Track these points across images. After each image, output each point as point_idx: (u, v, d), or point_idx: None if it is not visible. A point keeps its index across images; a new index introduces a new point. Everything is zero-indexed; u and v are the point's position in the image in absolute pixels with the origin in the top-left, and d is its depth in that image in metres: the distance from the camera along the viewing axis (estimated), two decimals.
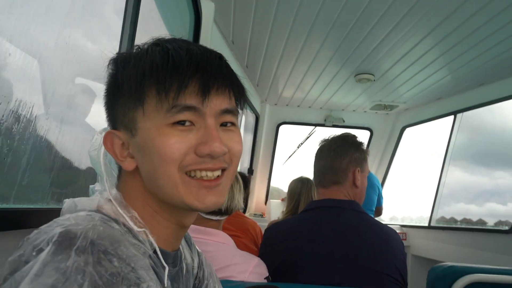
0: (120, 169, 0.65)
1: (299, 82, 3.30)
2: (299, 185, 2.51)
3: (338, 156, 1.33)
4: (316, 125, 4.27)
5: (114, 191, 0.61)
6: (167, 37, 0.63)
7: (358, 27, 2.27)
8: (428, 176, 3.76)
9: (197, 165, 0.58)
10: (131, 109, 0.59)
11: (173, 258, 0.64)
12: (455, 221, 3.67)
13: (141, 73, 0.58)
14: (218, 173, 0.60)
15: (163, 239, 0.62)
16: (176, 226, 0.64)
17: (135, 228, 0.57)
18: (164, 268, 0.59)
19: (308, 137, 4.39)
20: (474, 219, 3.42)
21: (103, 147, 0.63)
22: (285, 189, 2.69)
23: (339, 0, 2.01)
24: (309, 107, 4.09)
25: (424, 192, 3.83)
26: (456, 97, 3.33)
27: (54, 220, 0.52)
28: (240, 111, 0.64)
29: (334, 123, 4.13)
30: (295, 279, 1.15)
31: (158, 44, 0.61)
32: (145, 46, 0.62)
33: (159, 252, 0.59)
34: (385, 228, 1.26)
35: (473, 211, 3.43)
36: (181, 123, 0.57)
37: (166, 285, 0.59)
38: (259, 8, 2.13)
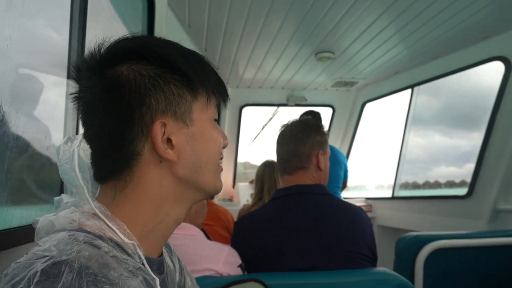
0: (122, 178, 0.60)
1: (260, 63, 3.26)
2: (262, 168, 2.57)
3: (301, 141, 1.33)
4: (278, 105, 4.28)
5: (97, 203, 0.58)
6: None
7: (317, 5, 2.25)
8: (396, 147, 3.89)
9: (221, 155, 0.69)
10: (188, 100, 0.62)
11: (158, 264, 0.63)
12: (430, 185, 3.85)
13: (206, 66, 0.65)
14: None
15: (150, 247, 0.61)
16: (172, 223, 0.64)
17: (125, 240, 0.56)
18: (154, 279, 0.57)
19: (271, 118, 4.40)
20: (457, 180, 3.58)
21: (76, 161, 0.60)
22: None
23: None
24: (271, 87, 4.07)
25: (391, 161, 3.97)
26: (413, 71, 3.43)
27: (33, 251, 0.48)
28: None
29: (296, 102, 4.15)
30: (270, 269, 1.15)
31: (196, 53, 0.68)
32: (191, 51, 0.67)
33: (147, 266, 0.57)
34: (352, 208, 1.29)
35: (454, 172, 3.58)
36: (216, 120, 0.68)
37: None
38: None
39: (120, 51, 0.60)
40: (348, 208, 1.26)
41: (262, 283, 0.95)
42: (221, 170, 0.70)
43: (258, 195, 2.56)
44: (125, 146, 0.58)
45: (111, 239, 0.55)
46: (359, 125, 4.21)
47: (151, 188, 0.60)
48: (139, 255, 0.57)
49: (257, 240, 1.21)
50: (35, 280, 0.42)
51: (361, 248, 1.18)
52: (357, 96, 4.14)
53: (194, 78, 0.61)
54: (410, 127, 3.69)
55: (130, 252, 0.56)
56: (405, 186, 3.92)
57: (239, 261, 1.16)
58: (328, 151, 1.39)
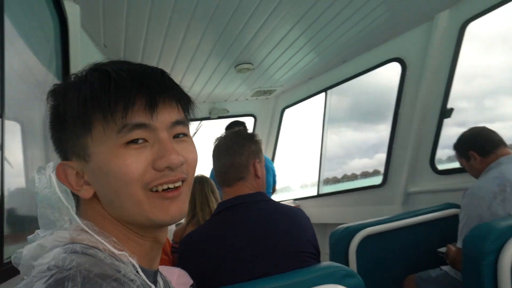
0: (77, 200, 0.63)
1: (180, 79, 3.27)
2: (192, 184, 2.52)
3: (237, 153, 1.36)
4: (201, 119, 4.31)
5: (82, 220, 0.58)
6: (105, 61, 0.61)
7: (234, 20, 2.34)
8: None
9: (158, 180, 0.58)
10: (80, 136, 0.58)
11: (153, 277, 0.63)
12: (348, 177, 4.13)
13: (83, 100, 0.57)
14: (179, 183, 0.61)
15: (140, 257, 0.60)
16: (150, 243, 0.63)
17: (116, 252, 0.55)
18: (150, 287, 0.58)
19: (195, 133, 4.40)
20: (370, 170, 3.88)
21: (55, 183, 0.60)
22: None
23: None
24: None
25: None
26: (325, 75, 3.70)
27: (33, 274, 0.47)
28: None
29: (219, 115, 4.23)
30: (222, 284, 1.16)
31: (96, 69, 0.60)
32: (83, 73, 0.60)
33: (142, 274, 0.57)
34: (293, 209, 1.36)
35: (367, 164, 3.88)
36: (134, 141, 0.57)
37: None
38: (131, 8, 2.02)
39: (51, 97, 0.63)
40: (288, 210, 1.32)
41: None
42: (168, 197, 0.59)
43: (191, 213, 2.50)
44: None
45: (104, 249, 0.55)
46: (280, 130, 4.42)
47: (98, 216, 0.61)
48: (133, 264, 0.57)
49: (204, 258, 1.21)
50: None
51: (305, 247, 1.25)
52: (276, 103, 4.33)
53: (67, 117, 0.58)
54: (327, 127, 3.98)
55: (124, 262, 0.56)
56: (326, 181, 4.19)
57: (191, 281, 1.15)
58: (263, 158, 1.46)
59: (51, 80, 1.90)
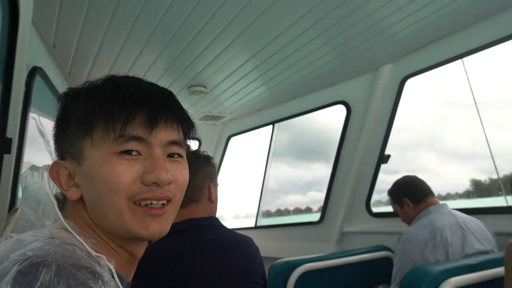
0: (64, 201, 0.65)
1: None
2: None
3: (193, 174, 1.30)
4: None
5: (65, 218, 0.59)
6: (119, 75, 0.64)
7: (194, 43, 2.32)
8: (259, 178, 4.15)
9: (144, 194, 0.58)
10: (79, 138, 0.60)
11: (127, 287, 0.62)
12: (281, 212, 4.17)
13: (92, 106, 0.59)
14: (163, 202, 0.60)
15: (118, 264, 0.59)
16: (128, 255, 0.62)
17: (94, 253, 0.54)
18: None
19: None
20: (303, 207, 3.95)
21: (46, 179, 0.61)
22: None
23: (179, 16, 2.01)
24: None
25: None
26: (274, 108, 3.79)
27: (8, 260, 0.47)
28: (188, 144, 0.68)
29: None
30: None
31: (109, 79, 0.63)
32: (98, 82, 0.63)
33: (117, 278, 0.55)
34: (244, 238, 1.34)
35: (299, 200, 3.95)
36: (129, 152, 0.59)
37: None
38: (90, 13, 1.92)
39: (60, 101, 0.66)
40: (240, 238, 1.30)
41: None
42: (149, 213, 0.59)
43: None
44: None
45: (82, 250, 0.54)
46: (224, 158, 4.38)
47: (79, 219, 0.61)
48: (110, 268, 0.55)
49: (149, 281, 1.13)
50: (11, 280, 0.42)
51: (255, 277, 1.23)
52: (222, 130, 4.32)
53: (72, 118, 0.61)
54: (271, 160, 4.02)
55: (102, 264, 0.55)
56: (260, 215, 4.20)
57: None
58: (217, 182, 1.42)
59: None
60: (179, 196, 0.66)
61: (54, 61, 2.39)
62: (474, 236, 1.94)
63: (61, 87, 2.29)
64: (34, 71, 1.90)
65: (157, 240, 1.42)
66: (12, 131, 1.70)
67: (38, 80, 2.04)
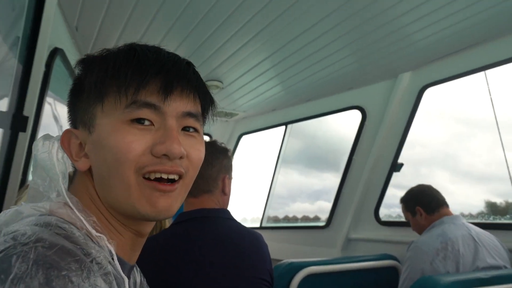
0: (74, 172, 0.61)
1: None
2: None
3: (209, 164, 1.29)
4: None
5: (69, 193, 0.55)
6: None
7: (214, 37, 2.32)
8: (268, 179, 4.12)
9: (153, 166, 0.54)
10: (91, 105, 0.57)
11: (129, 271, 0.58)
12: (289, 219, 4.14)
13: (104, 69, 0.56)
14: (174, 176, 0.56)
15: (121, 247, 0.56)
16: (132, 234, 0.59)
17: (94, 232, 0.52)
18: (123, 279, 0.52)
19: None
20: (311, 215, 3.92)
21: (55, 150, 0.59)
22: None
23: (202, 7, 2.00)
24: None
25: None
26: (288, 109, 3.77)
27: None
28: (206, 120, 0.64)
29: None
30: None
31: (127, 45, 0.59)
32: (115, 49, 0.59)
33: (117, 262, 0.52)
34: (254, 233, 1.32)
35: (308, 208, 3.91)
36: (141, 121, 0.55)
37: None
38: (114, 0, 1.93)
39: (78, 66, 0.63)
40: (250, 233, 1.28)
41: None
42: (158, 188, 0.55)
43: None
44: None
45: (82, 228, 0.52)
46: (234, 156, 4.37)
47: (85, 193, 0.59)
48: (110, 250, 0.53)
49: (157, 268, 1.12)
50: None
51: (263, 274, 1.21)
52: (235, 127, 4.31)
53: (85, 84, 0.58)
54: (281, 162, 4.00)
55: (102, 245, 0.52)
56: (267, 219, 4.17)
57: None
58: (232, 176, 1.40)
59: (3, 52, 1.72)
60: (192, 174, 0.61)
61: (75, 44, 2.40)
62: (487, 250, 1.89)
63: None
64: (55, 52, 1.91)
65: (167, 226, 1.41)
66: (29, 110, 1.70)
67: (57, 63, 2.05)
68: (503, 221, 2.38)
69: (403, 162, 2.89)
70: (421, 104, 2.83)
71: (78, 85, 0.61)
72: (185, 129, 0.59)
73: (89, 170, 0.58)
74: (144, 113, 0.55)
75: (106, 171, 0.55)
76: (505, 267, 1.89)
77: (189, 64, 0.61)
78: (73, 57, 2.33)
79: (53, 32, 1.81)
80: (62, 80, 2.42)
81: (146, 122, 0.55)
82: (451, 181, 3.16)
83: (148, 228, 0.61)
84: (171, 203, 0.57)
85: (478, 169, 2.95)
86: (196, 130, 0.61)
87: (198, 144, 0.61)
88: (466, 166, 3.08)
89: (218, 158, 1.32)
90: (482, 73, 2.47)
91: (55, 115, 2.49)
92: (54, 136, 0.62)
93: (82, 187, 0.59)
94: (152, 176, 0.55)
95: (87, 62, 0.61)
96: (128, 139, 0.54)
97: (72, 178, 0.61)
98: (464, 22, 2.13)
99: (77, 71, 0.62)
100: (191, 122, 0.59)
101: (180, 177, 0.58)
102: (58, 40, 2.00)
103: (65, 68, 2.21)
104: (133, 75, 0.55)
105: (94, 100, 0.57)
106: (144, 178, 0.55)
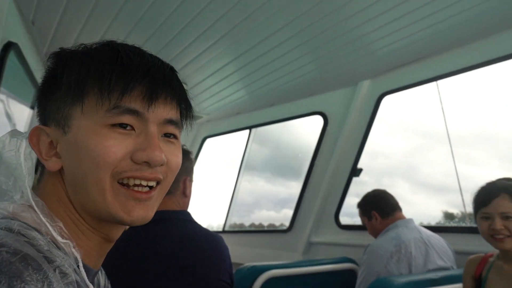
0: (41, 172, 0.58)
1: None
2: None
3: None
4: None
5: (35, 196, 0.53)
6: (118, 41, 0.59)
7: (178, 39, 2.30)
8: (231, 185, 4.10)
9: (132, 172, 0.54)
10: (68, 104, 0.55)
11: (93, 276, 0.57)
12: (255, 227, 4.15)
13: (86, 69, 0.55)
14: (152, 183, 0.56)
15: (87, 252, 0.55)
16: (100, 239, 0.58)
17: (60, 239, 0.50)
18: (87, 286, 0.51)
19: None
20: (277, 223, 3.94)
21: (23, 149, 0.56)
22: None
23: (167, 7, 1.98)
24: None
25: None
26: (252, 113, 3.79)
27: None
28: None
29: None
30: None
31: (108, 44, 0.57)
32: (94, 46, 0.57)
33: (82, 270, 0.51)
34: (215, 236, 1.32)
35: (273, 216, 3.94)
36: (122, 126, 0.54)
37: None
38: None
39: (49, 61, 0.61)
40: (211, 236, 1.28)
41: None
42: (134, 196, 0.55)
43: None
44: None
45: (47, 234, 0.49)
46: (197, 159, 4.33)
47: (54, 195, 0.56)
48: (76, 257, 0.51)
49: (113, 271, 1.08)
50: None
51: (223, 275, 1.21)
52: (198, 131, 4.28)
53: (63, 81, 0.57)
54: (245, 167, 4.00)
55: (67, 252, 0.50)
56: (233, 227, 4.17)
57: None
58: (193, 178, 1.40)
59: None
60: (170, 180, 0.61)
61: (31, 39, 2.30)
62: (437, 252, 1.99)
63: (36, 68, 2.20)
64: (9, 47, 1.82)
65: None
66: None
67: (11, 58, 1.96)
68: (450, 224, 2.52)
69: (363, 169, 2.99)
70: (384, 115, 2.95)
71: (51, 80, 0.58)
72: (165, 135, 0.60)
73: (60, 170, 0.57)
74: (126, 118, 0.54)
75: (81, 173, 0.54)
76: (453, 268, 1.99)
77: (172, 70, 0.61)
78: (29, 53, 2.23)
79: (7, 25, 1.72)
80: (17, 76, 2.30)
81: (128, 127, 0.55)
82: (412, 192, 3.30)
83: (118, 233, 0.61)
84: (147, 211, 0.57)
85: (437, 181, 3.09)
86: (175, 136, 0.61)
87: (176, 150, 0.61)
88: (425, 177, 3.23)
89: None
90: (435, 84, 2.62)
91: (8, 113, 2.36)
92: (23, 132, 0.59)
93: (50, 188, 0.57)
94: (131, 183, 0.55)
95: (63, 57, 0.58)
96: (108, 143, 0.53)
97: (38, 177, 0.60)
98: (419, 33, 2.24)
99: (49, 64, 0.60)
100: (171, 129, 0.60)
101: (158, 183, 0.58)
102: (12, 34, 1.91)
103: (20, 64, 2.11)
104: (118, 79, 0.54)
105: (72, 99, 0.55)
106: (119, 183, 0.54)
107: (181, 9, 1.99)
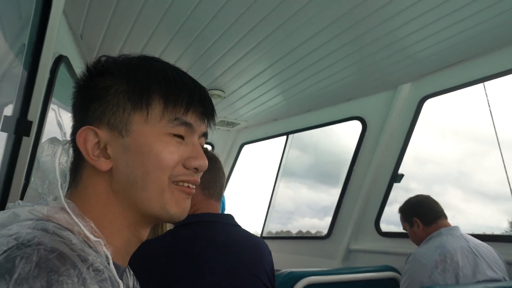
0: (78, 174, 0.62)
1: None
2: None
3: (222, 174, 1.39)
4: None
5: (66, 198, 0.57)
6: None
7: (216, 46, 2.35)
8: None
9: (185, 176, 0.63)
10: (127, 110, 0.60)
11: (121, 274, 0.60)
12: (302, 234, 4.12)
13: (155, 82, 0.61)
14: (194, 186, 0.66)
15: (117, 250, 0.59)
16: (131, 237, 0.62)
17: (91, 237, 0.54)
18: (118, 284, 0.54)
19: None
20: (324, 231, 3.90)
21: (59, 154, 0.60)
22: None
23: (205, 16, 2.04)
24: None
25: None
26: (289, 119, 3.79)
27: None
28: None
29: None
30: None
31: (157, 60, 0.66)
32: (141, 60, 0.65)
33: (112, 267, 0.54)
34: (260, 241, 1.35)
35: (316, 224, 3.90)
36: (180, 136, 0.62)
37: None
38: (119, 8, 1.96)
39: (97, 66, 0.65)
40: (256, 241, 1.31)
41: None
42: (187, 192, 0.64)
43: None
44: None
45: (79, 233, 0.53)
46: (235, 166, 4.38)
47: (93, 195, 0.60)
48: (106, 255, 0.55)
49: (158, 271, 1.12)
50: None
51: (263, 279, 1.22)
52: (236, 137, 4.33)
53: (134, 89, 0.61)
54: (282, 172, 3.99)
55: (98, 250, 0.54)
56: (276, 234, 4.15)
57: None
58: None
59: (10, 59, 1.75)
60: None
61: (79, 52, 2.44)
62: (486, 262, 1.88)
63: None
64: (60, 60, 1.94)
65: (170, 229, 1.42)
66: (33, 115, 1.73)
67: (61, 70, 2.09)
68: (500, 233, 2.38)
69: (410, 176, 2.88)
70: (432, 119, 2.84)
71: (108, 85, 0.62)
72: None
73: (107, 171, 0.61)
74: (182, 130, 0.63)
75: (142, 174, 0.59)
76: (505, 279, 1.88)
77: (206, 91, 0.70)
78: (78, 65, 2.36)
79: (58, 40, 1.84)
80: (66, 87, 2.45)
81: (181, 138, 0.63)
82: (464, 200, 3.14)
83: (147, 233, 0.66)
84: (189, 204, 0.66)
85: (491, 188, 2.92)
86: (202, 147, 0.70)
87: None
88: (479, 185, 3.06)
89: (223, 169, 1.40)
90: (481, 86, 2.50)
91: (59, 121, 2.52)
92: (61, 140, 0.63)
93: (98, 186, 0.61)
94: (181, 184, 0.63)
95: (125, 66, 0.63)
96: (170, 150, 0.61)
97: (77, 179, 0.62)
98: (463, 33, 2.16)
99: (99, 67, 0.65)
100: (202, 140, 0.69)
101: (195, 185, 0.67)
102: (63, 48, 2.04)
103: (69, 75, 2.24)
104: (183, 97, 0.62)
105: (133, 106, 0.61)
106: (173, 183, 0.62)
107: (218, 17, 2.04)
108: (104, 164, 0.60)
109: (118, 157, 0.60)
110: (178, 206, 0.62)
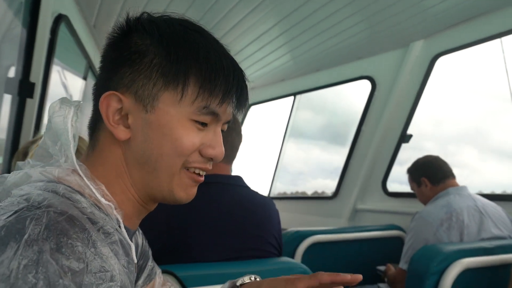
0: (96, 138, 0.61)
1: None
2: None
3: (238, 134, 1.36)
4: None
5: (78, 161, 0.56)
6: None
7: (218, 5, 2.27)
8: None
9: (199, 164, 0.60)
10: (158, 86, 0.57)
11: (131, 236, 0.61)
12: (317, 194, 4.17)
13: (194, 61, 0.57)
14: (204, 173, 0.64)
15: (127, 215, 0.59)
16: (141, 207, 0.62)
17: (103, 200, 0.53)
18: (130, 246, 0.55)
19: None
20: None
21: (71, 115, 0.58)
22: None
23: None
24: None
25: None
26: (296, 80, 3.72)
27: (2, 205, 0.45)
28: None
29: None
30: (181, 260, 1.11)
31: (198, 31, 0.62)
32: (187, 29, 0.61)
33: (124, 230, 0.55)
34: (267, 201, 1.34)
35: (329, 185, 3.92)
36: (203, 124, 0.59)
37: (136, 262, 0.57)
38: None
39: (137, 24, 0.60)
40: (264, 201, 1.31)
41: (173, 275, 0.91)
42: (195, 180, 0.62)
43: None
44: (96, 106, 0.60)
45: (90, 196, 0.53)
46: (243, 127, 4.36)
47: (107, 162, 0.59)
48: (117, 218, 0.55)
49: (166, 229, 1.14)
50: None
51: (270, 238, 1.24)
52: None
53: (171, 68, 0.57)
54: (290, 132, 3.98)
55: (108, 213, 0.54)
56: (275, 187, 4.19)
57: None
58: None
59: (8, 19, 1.72)
60: None
61: (80, 12, 2.38)
62: (492, 221, 1.89)
63: (86, 39, 2.28)
64: (60, 19, 1.89)
65: None
66: (35, 77, 1.71)
67: (63, 30, 2.04)
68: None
69: (429, 140, 2.82)
70: (449, 77, 2.74)
71: (143, 49, 0.58)
72: None
73: (124, 141, 0.59)
74: (208, 118, 0.60)
75: (156, 155, 0.57)
76: (510, 237, 1.89)
77: (243, 74, 0.66)
78: (79, 24, 2.31)
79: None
80: (69, 48, 2.41)
81: (205, 125, 0.60)
82: (480, 159, 3.09)
83: (155, 206, 0.66)
84: (196, 191, 0.64)
85: (510, 145, 2.85)
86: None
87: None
88: (497, 143, 2.99)
89: (241, 131, 1.38)
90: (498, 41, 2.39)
91: (64, 84, 2.50)
92: (72, 101, 0.61)
93: (106, 155, 0.60)
94: (192, 170, 0.61)
95: (167, 35, 0.59)
96: (191, 136, 0.58)
97: (91, 138, 0.62)
98: None
99: (128, 25, 0.61)
100: (225, 126, 0.66)
101: None
102: (62, 7, 1.98)
103: (71, 35, 2.20)
104: (221, 87, 0.58)
105: (165, 84, 0.57)
106: (185, 169, 0.61)
107: None
108: (122, 133, 0.58)
109: (137, 130, 0.58)
110: (186, 193, 0.61)
